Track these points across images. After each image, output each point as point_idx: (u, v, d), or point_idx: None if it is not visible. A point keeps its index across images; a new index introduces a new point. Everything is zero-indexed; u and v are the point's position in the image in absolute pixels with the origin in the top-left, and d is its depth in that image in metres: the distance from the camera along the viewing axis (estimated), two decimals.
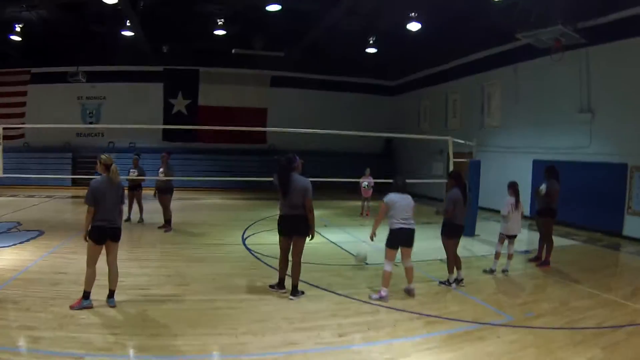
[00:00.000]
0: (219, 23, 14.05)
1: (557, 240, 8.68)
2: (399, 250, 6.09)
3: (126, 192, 6.37)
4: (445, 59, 17.62)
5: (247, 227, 11.10)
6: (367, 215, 13.53)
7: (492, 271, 7.52)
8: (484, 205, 12.79)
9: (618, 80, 11.08)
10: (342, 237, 10.24)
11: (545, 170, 8.32)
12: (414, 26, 13.48)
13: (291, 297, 5.76)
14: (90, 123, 18.49)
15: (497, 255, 7.56)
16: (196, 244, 9.03)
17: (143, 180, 11.00)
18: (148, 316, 5.04)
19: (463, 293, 6.51)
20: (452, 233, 6.68)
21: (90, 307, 5.05)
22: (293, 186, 5.68)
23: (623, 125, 11.01)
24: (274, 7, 12.08)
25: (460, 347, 4.70)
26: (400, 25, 13.69)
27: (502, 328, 5.24)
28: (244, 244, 9.15)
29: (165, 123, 19.12)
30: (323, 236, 9.92)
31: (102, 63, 17.93)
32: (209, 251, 8.52)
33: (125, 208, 6.89)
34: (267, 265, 7.58)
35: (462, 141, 11.37)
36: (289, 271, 6.01)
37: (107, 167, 5.14)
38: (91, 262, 5.06)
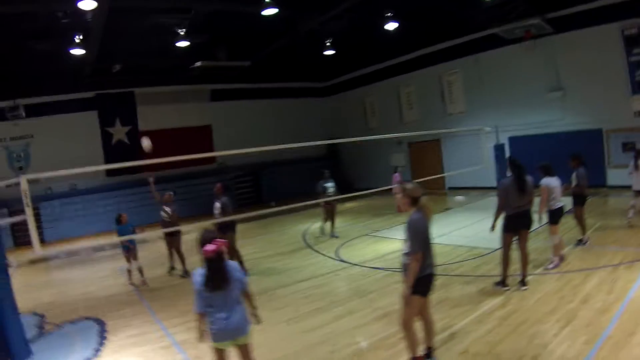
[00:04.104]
0: (181, 34, 13.65)
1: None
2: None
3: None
4: (395, 54, 19.66)
5: (306, 249, 11.43)
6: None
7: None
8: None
9: (583, 62, 14.25)
10: None
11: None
12: (391, 26, 14.96)
13: (525, 287, 6.72)
14: (20, 169, 15.98)
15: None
16: (321, 280, 8.60)
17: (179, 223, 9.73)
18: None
19: (600, 247, 8.41)
20: (583, 201, 8.65)
21: None
22: (527, 184, 6.71)
23: (592, 98, 14.25)
24: (270, 11, 12.30)
25: None
26: (366, 24, 15.09)
27: None
28: (361, 265, 9.21)
29: (106, 155, 17.74)
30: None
31: (30, 94, 15.85)
32: (357, 282, 8.16)
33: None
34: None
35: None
36: None
37: (416, 200, 4.53)
38: (413, 321, 4.58)
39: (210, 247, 3.76)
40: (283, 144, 10.92)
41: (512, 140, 16.00)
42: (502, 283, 6.86)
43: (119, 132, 18.31)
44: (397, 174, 15.05)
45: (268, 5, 12.06)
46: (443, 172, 18.13)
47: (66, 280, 10.93)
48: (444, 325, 5.70)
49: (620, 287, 6.28)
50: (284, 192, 20.33)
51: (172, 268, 10.14)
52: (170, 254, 10.04)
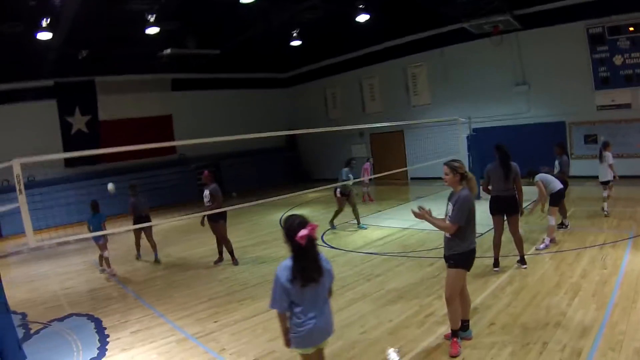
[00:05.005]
0: (151, 20, 13.32)
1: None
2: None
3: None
4: (360, 45, 20.06)
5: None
6: (370, 200, 15.13)
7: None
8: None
9: (549, 58, 15.25)
10: (399, 223, 11.57)
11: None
12: (362, 17, 15.25)
13: (524, 266, 7.24)
14: None
15: None
16: None
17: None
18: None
19: (580, 229, 9.24)
20: (565, 187, 9.13)
21: (470, 337, 5.02)
22: (512, 170, 7.17)
23: (557, 93, 15.31)
24: None
25: None
26: (338, 15, 15.39)
27: None
28: (356, 251, 9.44)
29: (65, 145, 17.01)
30: (388, 227, 11.44)
31: None
32: (357, 267, 8.30)
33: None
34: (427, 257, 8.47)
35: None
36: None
37: (464, 176, 4.71)
38: (457, 295, 4.81)
39: (305, 232, 3.24)
40: (243, 134, 10.95)
41: (476, 131, 16.74)
42: (494, 264, 7.34)
43: (79, 121, 17.64)
44: (367, 164, 15.52)
45: None
46: (406, 163, 18.77)
47: (37, 276, 10.37)
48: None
49: (612, 264, 6.96)
50: (244, 183, 20.76)
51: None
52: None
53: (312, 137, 22.44)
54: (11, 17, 12.14)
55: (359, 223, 11.59)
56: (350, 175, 11.43)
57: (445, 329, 5.21)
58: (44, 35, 12.62)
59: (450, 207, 4.72)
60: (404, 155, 19.68)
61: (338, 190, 11.32)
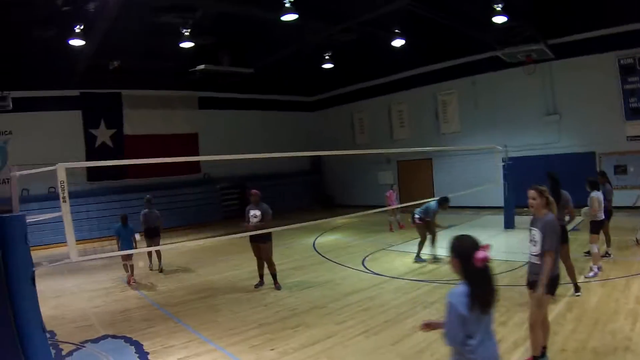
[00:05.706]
0: (186, 34, 13.31)
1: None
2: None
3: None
4: (390, 71, 20.28)
5: (327, 262, 11.32)
6: (401, 227, 14.86)
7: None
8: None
9: (579, 88, 15.43)
10: (437, 251, 11.25)
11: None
12: (397, 42, 15.41)
13: (578, 293, 7.13)
14: None
15: None
16: (369, 293, 8.36)
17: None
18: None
19: (623, 258, 9.19)
20: (609, 216, 9.26)
21: None
22: (562, 198, 7.12)
23: (587, 123, 15.41)
24: (290, 17, 12.20)
25: None
26: (372, 39, 15.54)
27: None
28: (402, 278, 9.23)
29: (88, 158, 17.01)
30: (428, 254, 10.86)
31: (15, 87, 15.13)
32: (409, 295, 8.06)
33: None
34: None
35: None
36: None
37: (548, 201, 4.81)
38: (540, 320, 4.79)
39: (483, 254, 2.89)
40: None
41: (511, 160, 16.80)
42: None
43: (103, 134, 17.74)
44: (391, 191, 15.37)
45: (288, 11, 11.81)
46: (433, 191, 18.69)
47: (62, 291, 9.90)
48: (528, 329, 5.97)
49: None
50: (268, 205, 20.30)
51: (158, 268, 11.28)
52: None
53: (338, 161, 22.59)
54: (44, 22, 12.10)
55: (418, 254, 10.61)
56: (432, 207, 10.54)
57: (520, 354, 5.14)
58: (76, 42, 12.50)
59: (536, 233, 4.72)
60: (432, 183, 19.68)
61: (417, 215, 10.47)
